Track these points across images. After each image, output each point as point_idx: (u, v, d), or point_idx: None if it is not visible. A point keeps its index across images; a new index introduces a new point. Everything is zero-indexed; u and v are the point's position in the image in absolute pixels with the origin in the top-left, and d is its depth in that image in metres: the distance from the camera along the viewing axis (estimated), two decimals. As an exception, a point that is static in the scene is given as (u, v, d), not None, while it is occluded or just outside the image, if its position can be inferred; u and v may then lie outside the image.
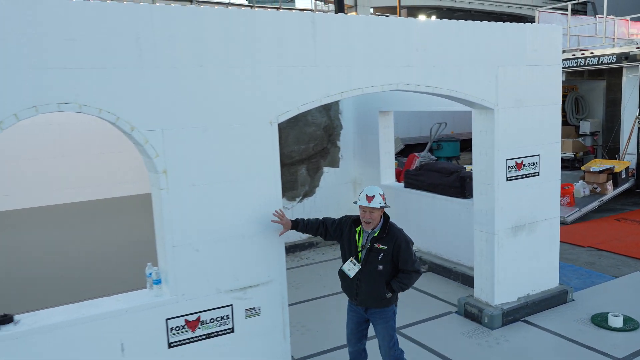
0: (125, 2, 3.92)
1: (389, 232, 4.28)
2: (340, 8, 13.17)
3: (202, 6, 4.24)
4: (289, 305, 4.88)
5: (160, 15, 3.99)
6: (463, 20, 5.56)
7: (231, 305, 4.51)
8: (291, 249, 8.80)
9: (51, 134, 6.24)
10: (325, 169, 9.58)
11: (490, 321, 6.02)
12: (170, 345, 4.28)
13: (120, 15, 3.85)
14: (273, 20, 4.45)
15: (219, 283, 4.42)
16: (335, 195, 9.69)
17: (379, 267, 4.22)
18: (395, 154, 11.25)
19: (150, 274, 4.34)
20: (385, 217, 4.36)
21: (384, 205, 4.23)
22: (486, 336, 5.87)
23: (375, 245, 4.25)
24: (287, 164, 8.81)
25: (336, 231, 4.51)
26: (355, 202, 4.34)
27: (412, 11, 35.66)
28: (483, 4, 37.79)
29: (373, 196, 4.20)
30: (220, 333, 4.49)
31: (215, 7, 4.36)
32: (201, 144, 4.24)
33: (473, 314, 6.26)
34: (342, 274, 4.43)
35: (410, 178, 8.68)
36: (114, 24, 3.83)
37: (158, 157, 4.09)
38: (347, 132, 9.73)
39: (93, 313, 4.02)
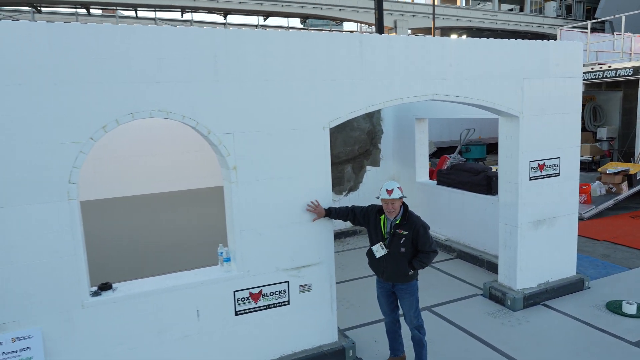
0: (205, 27, 4.01)
1: (409, 220, 4.33)
2: (380, 30, 13.00)
3: (267, 29, 4.28)
4: (336, 283, 4.88)
5: (233, 38, 4.06)
6: (492, 39, 5.38)
7: (287, 281, 4.56)
8: (338, 236, 8.80)
9: (142, 136, 6.47)
10: (368, 167, 9.52)
11: (513, 303, 5.83)
12: (236, 313, 4.37)
13: (201, 38, 3.95)
14: (327, 41, 4.45)
15: (278, 262, 4.48)
16: (376, 190, 9.44)
17: (402, 249, 4.28)
18: (429, 156, 11.05)
19: (222, 253, 4.45)
20: (405, 206, 4.40)
21: (402, 195, 4.30)
22: (509, 317, 5.69)
23: (398, 231, 4.30)
24: (335, 163, 8.81)
25: (364, 218, 4.55)
26: (377, 197, 4.36)
27: (445, 31, 34.87)
28: (509, 24, 36.48)
29: (392, 189, 4.27)
30: (278, 305, 4.54)
31: (278, 30, 4.39)
32: (265, 145, 4.30)
33: (497, 296, 6.07)
34: (370, 254, 4.48)
35: (442, 177, 8.50)
36: (196, 45, 3.93)
37: (229, 155, 4.17)
38: (387, 136, 9.63)
39: (175, 284, 4.16)
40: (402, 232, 4.29)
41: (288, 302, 4.57)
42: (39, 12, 26.21)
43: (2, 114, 3.41)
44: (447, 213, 8.28)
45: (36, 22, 3.52)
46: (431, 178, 9.53)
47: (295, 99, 4.37)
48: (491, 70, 5.32)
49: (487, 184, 7.46)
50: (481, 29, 35.47)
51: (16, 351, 3.60)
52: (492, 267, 7.04)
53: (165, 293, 4.08)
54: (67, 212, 3.66)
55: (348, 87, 4.57)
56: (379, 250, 4.35)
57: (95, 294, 3.91)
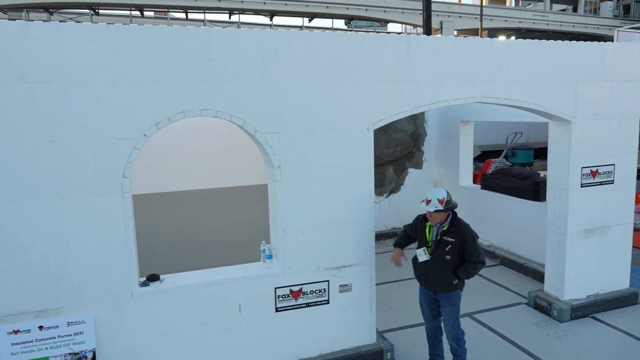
0: (254, 29, 4.08)
1: (457, 227, 4.19)
2: (428, 31, 12.79)
3: (314, 31, 4.30)
4: (375, 284, 4.84)
5: (281, 39, 4.11)
6: (545, 40, 5.18)
7: (328, 280, 4.56)
8: (378, 237, 8.72)
9: (191, 134, 6.65)
10: (410, 169, 9.39)
11: (560, 314, 5.58)
12: (277, 310, 4.41)
13: (250, 40, 4.01)
14: (373, 42, 4.42)
15: (319, 261, 4.49)
16: (417, 192, 9.46)
17: (447, 257, 4.16)
18: (473, 159, 10.78)
19: (264, 250, 4.51)
20: (453, 213, 4.27)
21: (438, 209, 4.10)
22: (555, 328, 5.46)
23: (444, 238, 4.18)
24: (377, 165, 8.74)
25: (412, 231, 4.49)
26: (421, 202, 4.27)
27: (493, 33, 33.92)
28: (561, 25, 35.04)
29: (430, 200, 4.16)
30: (318, 303, 4.55)
31: (325, 31, 4.40)
32: (309, 145, 4.32)
33: (542, 306, 5.84)
34: (414, 260, 4.39)
35: (487, 181, 8.27)
36: (245, 46, 4.00)
37: (275, 154, 4.22)
38: (430, 139, 9.47)
39: (218, 278, 4.25)
40: (449, 239, 4.17)
41: (327, 301, 4.57)
42: (97, 14, 27.48)
43: (64, 110, 3.59)
44: (491, 218, 8.04)
45: (97, 24, 3.68)
46: (475, 182, 9.30)
47: (340, 99, 4.36)
48: (543, 72, 5.12)
49: (534, 190, 7.19)
50: (531, 30, 34.26)
51: (71, 335, 3.78)
52: (538, 275, 6.78)
53: (209, 286, 4.18)
54: (121, 205, 3.81)
55: (393, 89, 4.52)
56: (422, 255, 4.27)
57: (143, 284, 4.05)
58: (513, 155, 17.33)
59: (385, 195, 9.25)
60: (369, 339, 4.79)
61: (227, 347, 4.29)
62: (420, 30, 34.36)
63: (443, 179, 9.32)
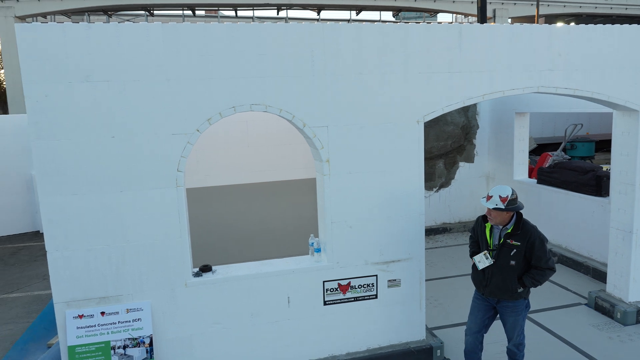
0: (303, 23, 4.09)
1: (523, 229, 3.80)
2: (483, 19, 12.34)
3: (363, 23, 4.25)
4: (425, 280, 4.75)
5: (330, 32, 4.10)
6: (610, 25, 4.86)
7: (376, 275, 4.53)
8: (428, 233, 8.58)
9: (241, 128, 6.78)
10: (461, 163, 9.14)
11: (623, 317, 5.26)
12: (325, 303, 4.44)
13: (299, 34, 4.03)
14: (424, 33, 4.32)
15: (367, 256, 4.47)
16: (468, 187, 9.23)
17: (512, 262, 3.79)
18: (528, 153, 10.33)
19: (313, 243, 4.54)
20: (519, 214, 3.87)
21: (499, 207, 3.72)
22: (618, 331, 5.15)
23: (508, 241, 3.80)
24: (427, 158, 8.57)
25: (475, 235, 4.14)
26: (482, 197, 3.94)
27: (550, 19, 32.26)
28: (626, 9, 32.77)
29: (491, 197, 3.78)
30: (366, 298, 4.54)
31: (374, 23, 4.34)
32: (358, 138, 4.29)
33: (604, 308, 5.52)
34: (474, 266, 4.04)
35: (544, 175, 7.90)
36: (294, 40, 4.02)
37: (323, 148, 4.23)
38: (483, 131, 9.16)
39: (268, 270, 4.32)
40: (514, 242, 3.78)
41: (376, 296, 4.54)
42: (152, 15, 28.58)
43: (122, 107, 3.76)
44: (548, 214, 7.68)
45: (152, 23, 3.82)
46: (530, 176, 8.92)
47: (389, 92, 4.30)
48: (606, 59, 4.81)
49: (596, 185, 6.79)
50: (592, 15, 32.28)
51: (129, 321, 3.98)
52: (599, 275, 6.43)
53: (259, 278, 4.26)
54: (175, 198, 3.95)
55: (445, 80, 4.40)
56: (482, 261, 3.89)
57: (197, 274, 4.19)
58: (572, 148, 16.44)
59: (435, 189, 9.06)
60: (418, 336, 4.72)
61: (276, 338, 4.37)
62: (472, 20, 33.25)
63: (496, 173, 9.01)
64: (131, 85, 3.75)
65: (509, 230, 3.83)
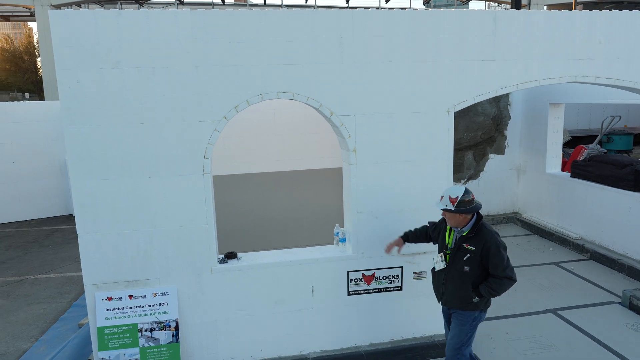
0: (332, 9, 4.02)
1: (478, 233, 3.47)
2: (517, 6, 11.93)
3: (393, 9, 4.15)
4: (452, 273, 4.67)
5: (359, 19, 4.01)
6: (656, 11, 4.60)
7: (401, 267, 4.47)
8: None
9: (268, 117, 6.78)
10: (491, 155, 8.92)
11: (660, 317, 5.06)
12: (349, 293, 4.42)
13: (327, 20, 3.96)
14: (457, 19, 4.18)
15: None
16: (498, 179, 9.00)
17: (465, 267, 3.48)
18: (562, 145, 10.00)
19: (338, 233, 4.51)
20: (478, 216, 3.55)
21: (448, 208, 3.45)
22: (653, 331, 4.96)
23: (464, 245, 3.50)
24: (456, 149, 8.40)
25: (434, 232, 3.87)
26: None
27: (589, 7, 30.98)
28: (672, -5, 31.12)
29: (442, 197, 3.53)
30: (391, 289, 4.49)
31: (405, 9, 4.23)
32: (386, 128, 4.22)
33: (639, 307, 5.32)
34: (433, 270, 3.78)
35: (578, 169, 7.63)
36: (322, 27, 3.96)
37: (350, 137, 4.17)
38: (514, 122, 8.90)
39: (293, 259, 4.32)
40: (469, 247, 3.47)
41: (401, 288, 4.49)
42: (182, 3, 28.84)
43: (151, 94, 3.79)
44: (581, 209, 7.43)
45: (181, 9, 3.82)
46: (563, 169, 8.64)
47: (419, 80, 4.20)
48: (652, 47, 4.57)
49: (635, 179, 6.52)
50: (634, 1, 30.82)
51: (156, 305, 4.05)
52: (634, 273, 6.19)
53: (283, 266, 4.27)
54: (202, 185, 3.98)
55: (477, 68, 4.27)
56: (439, 262, 3.65)
57: (222, 261, 4.22)
58: (609, 141, 15.85)
59: (463, 181, 8.88)
60: (443, 329, 4.65)
61: (299, 326, 4.38)
62: (505, 7, 32.22)
63: (527, 165, 8.76)
64: (160, 72, 3.77)
65: (465, 234, 3.52)
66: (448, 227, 3.67)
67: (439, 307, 4.59)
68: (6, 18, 36.03)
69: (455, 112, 4.38)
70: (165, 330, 4.05)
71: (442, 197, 3.53)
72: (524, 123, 8.82)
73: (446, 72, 4.23)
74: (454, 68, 4.23)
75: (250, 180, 6.85)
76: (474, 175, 8.93)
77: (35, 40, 42.34)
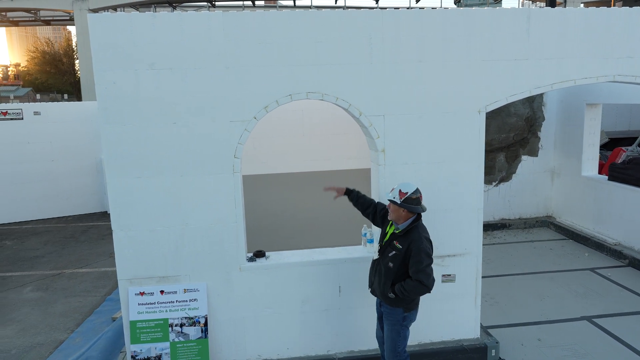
0: (361, 10, 4.01)
1: (407, 233, 3.55)
2: (552, 3, 11.61)
3: (424, 9, 4.12)
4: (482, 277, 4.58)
5: (389, 19, 4.00)
6: (702, 7, 4.40)
7: (430, 269, 4.42)
8: (484, 228, 8.21)
9: (296, 117, 6.83)
10: (524, 157, 8.70)
11: (703, 328, 4.83)
12: (376, 294, 4.39)
13: (357, 21, 3.96)
14: (489, 18, 4.11)
15: (421, 249, 4.36)
16: (531, 182, 8.78)
17: (390, 264, 3.58)
18: (599, 147, 9.66)
19: (365, 234, 4.49)
20: (417, 217, 3.61)
21: (393, 200, 3.52)
22: (696, 343, 4.73)
23: (394, 241, 3.60)
24: (487, 151, 8.23)
25: (380, 216, 3.90)
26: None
27: (628, 3, 29.85)
28: None
29: (392, 189, 3.60)
30: (419, 291, 4.44)
31: (435, 9, 4.18)
32: (415, 128, 4.18)
33: (681, 317, 5.09)
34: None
35: (616, 171, 7.36)
36: (352, 27, 3.96)
37: (379, 138, 4.16)
38: (549, 124, 8.66)
39: (320, 258, 4.33)
40: (397, 244, 3.57)
41: (429, 290, 4.43)
42: (214, 6, 29.37)
43: (184, 94, 3.88)
44: (620, 213, 7.17)
45: (213, 12, 3.90)
46: (600, 172, 8.34)
47: (450, 80, 4.15)
48: (697, 45, 4.37)
49: (677, 183, 6.25)
50: (679, -2, 29.53)
51: (186, 301, 4.14)
52: (677, 281, 5.93)
53: (311, 266, 4.28)
54: (232, 184, 4.04)
55: (510, 68, 4.18)
56: (375, 253, 3.79)
57: (251, 259, 4.28)
58: (649, 144, 15.20)
59: (494, 183, 8.70)
60: (471, 333, 4.58)
61: (326, 326, 4.39)
62: (540, 5, 31.42)
63: (562, 168, 8.51)
64: (192, 73, 3.86)
65: (398, 231, 3.62)
66: (390, 222, 3.73)
67: (468, 311, 4.54)
68: (47, 22, 37.54)
69: (487, 113, 4.30)
70: (194, 325, 4.13)
71: (393, 189, 3.61)
72: (559, 124, 8.58)
73: (478, 72, 4.16)
74: (486, 68, 4.16)
75: (278, 180, 6.91)
76: (506, 178, 8.74)
77: (73, 44, 43.92)
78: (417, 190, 3.58)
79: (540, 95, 8.51)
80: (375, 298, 3.90)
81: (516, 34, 4.15)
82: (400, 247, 3.54)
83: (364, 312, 4.40)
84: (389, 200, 3.58)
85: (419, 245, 3.49)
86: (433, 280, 3.52)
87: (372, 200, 4.04)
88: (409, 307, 3.68)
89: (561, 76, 4.25)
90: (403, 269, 3.56)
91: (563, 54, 4.22)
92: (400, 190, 3.54)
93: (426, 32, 4.05)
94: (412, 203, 3.53)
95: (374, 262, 3.79)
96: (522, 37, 4.16)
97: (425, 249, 3.51)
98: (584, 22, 4.20)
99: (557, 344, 4.76)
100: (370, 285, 3.83)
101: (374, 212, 3.96)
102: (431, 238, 4.33)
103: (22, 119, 10.43)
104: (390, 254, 3.59)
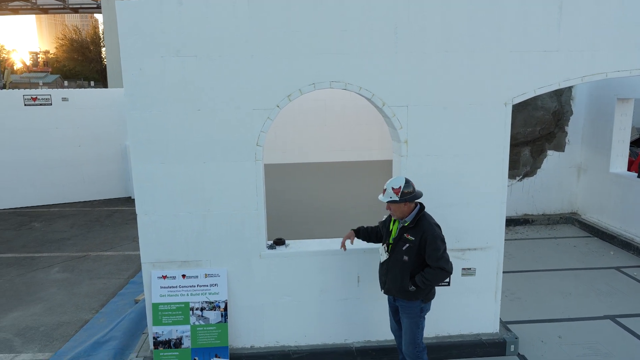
0: (387, -3, 3.96)
1: (418, 224, 3.56)
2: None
3: (451, -3, 4.03)
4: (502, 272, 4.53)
5: (415, 6, 3.93)
6: None
7: (450, 262, 4.38)
8: (507, 223, 8.06)
9: (318, 107, 6.81)
10: (550, 152, 8.52)
11: None
12: (395, 286, 4.38)
13: (382, 8, 3.91)
14: (519, 8, 4.01)
15: (442, 242, 4.33)
16: (556, 177, 8.60)
17: (404, 257, 3.58)
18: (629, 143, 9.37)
19: (385, 225, 4.47)
20: (421, 207, 3.64)
21: (393, 199, 3.52)
22: None
23: (405, 235, 3.59)
24: (512, 145, 8.05)
25: (383, 229, 3.88)
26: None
27: (666, -5, 28.63)
28: None
29: (385, 189, 3.57)
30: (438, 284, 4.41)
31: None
32: (439, 120, 4.13)
33: None
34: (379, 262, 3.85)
35: (646, 169, 7.15)
36: (378, 15, 3.92)
37: (402, 128, 4.12)
38: (577, 118, 8.44)
39: (339, 248, 4.31)
40: (409, 237, 3.56)
41: (448, 283, 4.41)
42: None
43: (208, 81, 3.91)
44: (649, 212, 6.98)
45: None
46: (629, 169, 8.11)
47: (476, 71, 4.07)
48: None
49: None
50: None
51: (207, 285, 4.21)
52: None
53: (330, 255, 4.30)
54: (254, 172, 4.07)
55: (539, 59, 4.08)
56: (382, 254, 3.75)
57: (271, 247, 4.31)
58: (682, 141, 14.69)
59: (518, 178, 8.55)
60: (491, 328, 4.54)
61: (344, 315, 4.41)
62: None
63: (589, 164, 8.30)
64: (217, 61, 3.88)
65: (406, 224, 3.61)
66: (392, 219, 3.75)
67: (487, 305, 4.50)
68: (75, 10, 38.19)
69: (513, 106, 4.22)
70: (215, 310, 4.20)
71: (385, 189, 3.57)
72: (588, 119, 8.35)
73: (505, 63, 4.07)
74: (515, 59, 4.07)
75: (299, 169, 6.93)
76: (530, 173, 8.58)
77: (100, 31, 44.64)
78: (407, 182, 3.58)
79: (569, 89, 8.29)
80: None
81: (547, 25, 4.04)
82: (413, 238, 3.56)
83: (382, 303, 4.39)
84: (387, 202, 3.57)
85: (432, 233, 3.53)
86: (451, 264, 3.58)
87: (375, 228, 4.05)
88: (428, 297, 3.71)
89: (593, 69, 4.13)
90: (419, 261, 3.57)
91: (596, 45, 4.09)
92: (392, 188, 3.54)
93: (453, 22, 3.98)
94: (409, 194, 3.55)
95: (383, 263, 3.77)
96: (553, 27, 4.05)
97: (439, 236, 3.56)
98: (618, 12, 4.06)
99: (579, 342, 4.68)
100: (383, 286, 3.81)
101: (378, 235, 3.99)
102: (452, 231, 4.32)
103: (51, 104, 10.69)
104: (404, 248, 3.59)
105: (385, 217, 3.96)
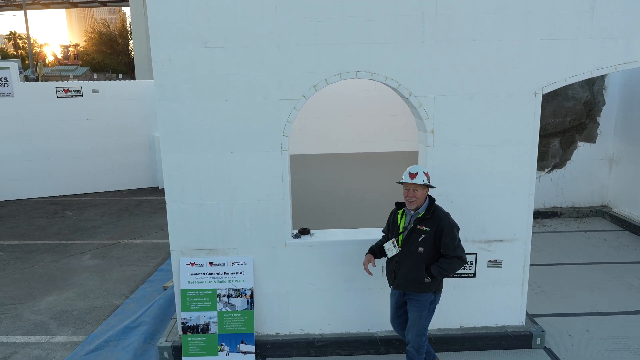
0: (415, -14, 3.92)
1: (434, 214, 3.55)
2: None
3: (480, -15, 3.96)
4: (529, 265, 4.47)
5: (443, -5, 3.89)
6: None
7: (476, 253, 4.36)
8: (534, 215, 7.86)
9: (343, 98, 6.80)
10: (580, 143, 8.31)
11: None
12: (420, 276, 4.38)
13: (410, -3, 3.88)
14: (550, -6, 3.91)
15: (467, 232, 4.29)
16: (587, 169, 8.39)
17: (420, 249, 3.54)
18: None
19: (410, 215, 4.46)
20: (431, 199, 3.64)
21: (427, 183, 3.53)
22: None
23: (419, 226, 3.55)
24: (541, 136, 7.87)
25: (388, 232, 3.83)
26: (398, 182, 3.65)
27: None
28: None
29: (416, 173, 3.53)
30: (463, 275, 4.40)
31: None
32: (466, 109, 4.08)
33: None
34: (387, 259, 3.79)
35: (683, 160, 6.91)
36: (405, 5, 3.88)
37: (428, 119, 4.10)
38: (609, 108, 8.19)
39: (364, 238, 4.35)
40: (424, 227, 3.53)
41: (474, 275, 4.39)
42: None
43: (236, 72, 3.96)
44: (684, 205, 6.75)
45: (266, -11, 3.92)
46: (665, 161, 7.85)
47: (505, 60, 4.00)
48: None
49: None
50: None
51: (234, 273, 4.30)
52: None
53: (355, 245, 4.32)
54: (279, 162, 4.12)
55: (571, 47, 3.98)
56: (391, 249, 3.67)
57: (296, 236, 4.36)
58: None
59: (546, 170, 8.38)
60: (517, 320, 4.50)
61: (368, 305, 4.44)
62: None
63: (622, 155, 8.06)
64: (244, 51, 3.92)
65: (420, 215, 3.59)
66: (399, 213, 3.74)
67: (513, 297, 4.46)
68: (103, 3, 38.91)
69: (542, 95, 4.13)
70: (241, 297, 4.29)
71: (416, 173, 3.54)
72: (621, 109, 8.10)
73: (535, 52, 3.99)
74: (545, 47, 3.98)
75: (324, 160, 6.95)
76: (560, 164, 8.39)
77: (128, 24, 45.41)
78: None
79: (602, 78, 8.05)
80: (391, 288, 3.88)
81: (579, 11, 3.93)
82: (428, 229, 3.54)
83: (407, 293, 4.41)
84: (421, 185, 3.53)
85: (449, 222, 3.56)
86: (464, 251, 3.62)
87: (382, 238, 3.98)
88: (439, 288, 3.71)
89: (627, 56, 4.01)
90: (433, 252, 3.56)
91: (631, 32, 3.96)
92: (424, 172, 3.57)
93: (481, 10, 3.91)
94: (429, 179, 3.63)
95: (392, 258, 3.71)
96: (586, 14, 3.94)
97: (455, 225, 3.60)
98: (656, -2, 3.92)
99: (608, 336, 4.60)
100: (392, 281, 3.76)
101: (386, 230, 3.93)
102: (478, 222, 4.28)
103: (82, 96, 10.98)
104: (419, 239, 3.55)
105: (387, 219, 3.89)
